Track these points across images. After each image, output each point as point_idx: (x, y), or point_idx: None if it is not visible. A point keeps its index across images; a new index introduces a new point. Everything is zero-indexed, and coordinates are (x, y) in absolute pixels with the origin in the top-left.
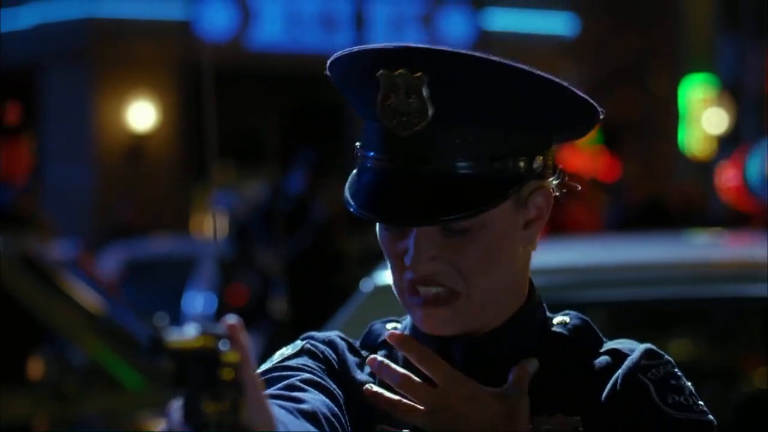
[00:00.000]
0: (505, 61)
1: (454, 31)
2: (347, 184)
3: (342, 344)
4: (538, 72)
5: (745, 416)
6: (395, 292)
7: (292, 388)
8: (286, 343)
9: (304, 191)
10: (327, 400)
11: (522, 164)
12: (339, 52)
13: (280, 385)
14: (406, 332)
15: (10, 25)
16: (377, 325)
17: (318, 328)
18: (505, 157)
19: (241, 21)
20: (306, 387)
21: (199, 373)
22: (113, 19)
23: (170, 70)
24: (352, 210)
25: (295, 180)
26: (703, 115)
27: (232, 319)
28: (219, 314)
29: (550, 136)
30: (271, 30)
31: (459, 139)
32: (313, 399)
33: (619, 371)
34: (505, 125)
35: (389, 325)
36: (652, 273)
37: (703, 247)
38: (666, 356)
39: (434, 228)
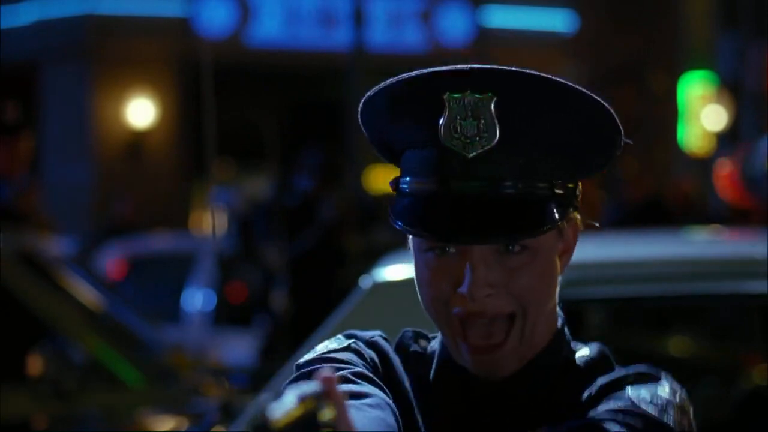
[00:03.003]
0: (569, 83)
1: (453, 27)
2: (393, 210)
3: (385, 346)
4: (597, 97)
5: (745, 413)
6: (433, 318)
7: (346, 380)
8: (286, 339)
9: (311, 190)
10: (383, 394)
11: (571, 191)
12: (392, 80)
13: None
14: (436, 359)
15: (9, 22)
16: (408, 334)
17: (319, 325)
18: (563, 180)
19: (240, 18)
20: (359, 380)
21: None
22: (112, 16)
23: (169, 66)
24: (408, 230)
25: (302, 180)
26: (703, 112)
27: (326, 371)
28: (218, 311)
29: (588, 167)
30: (270, 27)
31: (523, 160)
32: (374, 391)
33: (602, 379)
34: (566, 149)
35: (421, 342)
36: (651, 270)
37: (702, 243)
38: (663, 375)
39: (491, 251)
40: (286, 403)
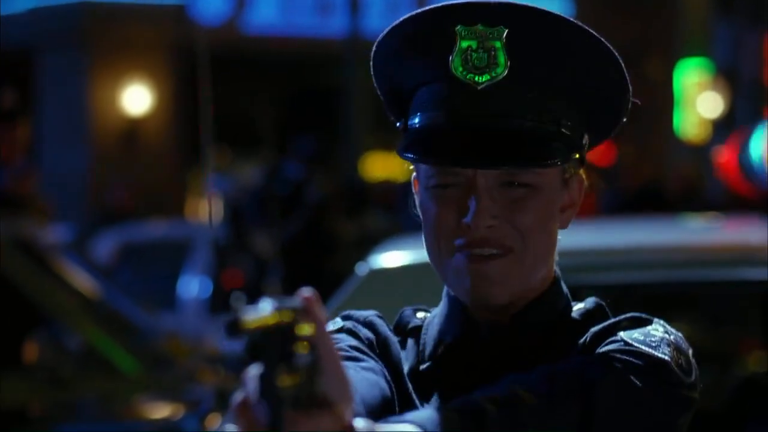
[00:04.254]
0: (580, 24)
1: None
2: (401, 145)
3: (381, 325)
4: (609, 45)
5: (741, 399)
6: (432, 261)
7: (342, 351)
8: None
9: (301, 177)
10: (377, 363)
11: (578, 136)
12: (403, 17)
13: None
14: (437, 320)
15: (5, 9)
16: (407, 312)
17: None
18: (567, 122)
19: (236, 4)
20: (353, 351)
21: (275, 348)
22: (108, 3)
23: (165, 53)
24: (415, 158)
25: (293, 166)
26: (698, 99)
27: (307, 291)
28: (214, 298)
29: (596, 121)
30: (266, 13)
31: (532, 95)
32: (368, 359)
33: (595, 328)
34: (571, 90)
35: (419, 314)
36: (648, 257)
37: (700, 231)
38: (655, 320)
39: (495, 184)
40: (261, 310)
